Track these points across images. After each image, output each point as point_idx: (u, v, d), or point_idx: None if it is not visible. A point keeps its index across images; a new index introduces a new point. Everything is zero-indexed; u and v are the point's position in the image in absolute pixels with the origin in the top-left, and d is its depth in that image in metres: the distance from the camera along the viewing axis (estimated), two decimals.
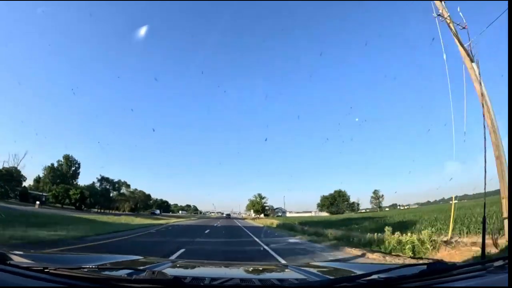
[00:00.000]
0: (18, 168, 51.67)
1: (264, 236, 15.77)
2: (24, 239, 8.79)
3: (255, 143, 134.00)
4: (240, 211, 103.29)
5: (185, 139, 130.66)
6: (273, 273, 1.95)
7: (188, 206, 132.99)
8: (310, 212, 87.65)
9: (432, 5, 7.73)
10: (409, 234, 8.77)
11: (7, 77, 76.82)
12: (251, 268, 2.07)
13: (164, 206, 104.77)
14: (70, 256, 2.54)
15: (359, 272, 1.34)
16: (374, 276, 1.09)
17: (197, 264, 2.15)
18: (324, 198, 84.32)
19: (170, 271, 1.47)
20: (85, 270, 1.17)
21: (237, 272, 1.93)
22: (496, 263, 1.12)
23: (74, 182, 61.24)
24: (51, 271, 1.05)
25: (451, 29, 7.67)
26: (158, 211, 77.40)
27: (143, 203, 79.82)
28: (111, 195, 68.04)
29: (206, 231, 18.88)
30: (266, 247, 10.32)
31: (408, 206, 75.69)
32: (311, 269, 1.69)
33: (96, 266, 1.36)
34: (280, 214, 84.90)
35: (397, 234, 9.12)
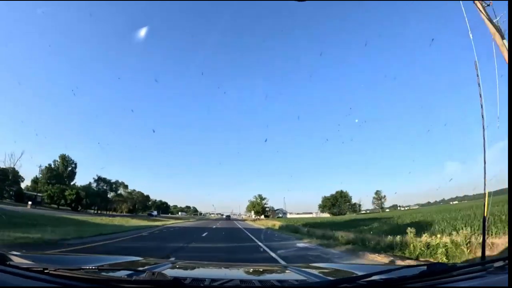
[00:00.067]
0: (15, 168, 51.12)
1: (268, 240, 14.39)
2: None
3: (255, 143, 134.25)
4: (240, 212, 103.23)
5: (185, 139, 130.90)
6: (273, 274, 1.95)
7: (188, 207, 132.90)
8: (311, 213, 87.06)
9: None
10: (438, 236, 7.91)
11: (7, 77, 76.95)
12: (251, 269, 2.07)
13: (163, 208, 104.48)
14: (70, 257, 2.54)
15: (359, 273, 1.34)
16: (374, 277, 1.10)
17: (197, 265, 2.15)
18: (325, 199, 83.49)
19: (170, 272, 1.47)
20: (85, 271, 1.17)
21: (237, 273, 1.92)
22: (496, 264, 1.13)
23: (71, 183, 60.19)
24: (51, 272, 1.05)
25: (476, 5, 7.59)
26: (155, 212, 75.68)
27: (141, 204, 79.12)
28: (109, 195, 66.96)
29: (204, 234, 17.66)
30: (273, 254, 9.15)
31: (408, 207, 75.57)
32: (311, 270, 1.69)
33: (96, 267, 1.36)
34: (280, 215, 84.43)
35: (424, 236, 8.26)
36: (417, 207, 71.78)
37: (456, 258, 6.97)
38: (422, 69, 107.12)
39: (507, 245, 6.71)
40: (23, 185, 55.46)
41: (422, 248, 7.83)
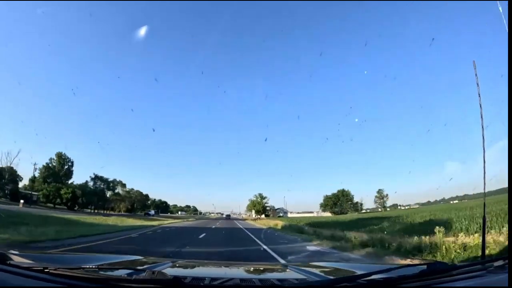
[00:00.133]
0: (12, 167, 50.28)
1: (274, 242, 12.92)
2: None
3: (255, 143, 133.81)
4: (240, 212, 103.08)
5: (185, 139, 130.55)
6: (273, 273, 1.95)
7: (188, 206, 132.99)
8: (312, 212, 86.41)
9: None
10: (476, 235, 7.11)
11: (7, 77, 76.78)
12: (251, 268, 2.07)
13: (163, 207, 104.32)
14: (70, 256, 2.54)
15: (359, 272, 1.34)
16: (374, 276, 1.10)
17: (197, 264, 2.15)
18: (327, 198, 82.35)
19: (170, 271, 1.47)
20: (85, 270, 1.17)
21: (237, 272, 1.92)
22: (496, 263, 1.13)
23: (68, 181, 58.43)
24: (51, 271, 1.04)
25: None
26: (152, 212, 73.81)
27: (140, 204, 78.20)
28: (107, 195, 65.80)
29: (201, 236, 16.10)
30: (283, 262, 7.83)
31: (408, 206, 75.52)
32: (312, 269, 1.69)
33: (96, 266, 1.36)
34: (281, 214, 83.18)
35: (461, 235, 7.50)
36: (417, 206, 71.72)
37: None
38: (422, 69, 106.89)
39: None
40: (21, 184, 54.89)
41: (458, 250, 6.94)
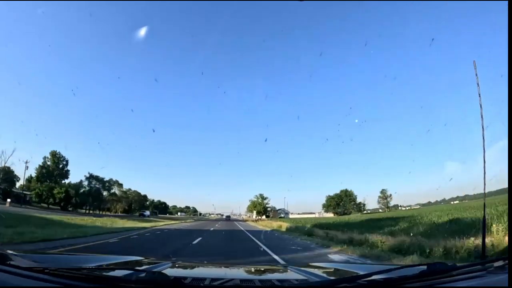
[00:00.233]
0: (9, 167, 49.16)
1: (285, 250, 11.19)
2: None
3: (255, 143, 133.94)
4: (241, 213, 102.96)
5: (185, 139, 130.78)
6: (274, 273, 1.95)
7: (188, 207, 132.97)
8: (314, 213, 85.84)
9: None
10: None
11: (7, 77, 76.92)
12: (252, 269, 2.07)
13: (162, 208, 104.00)
14: (70, 257, 2.54)
15: (359, 273, 1.34)
16: (375, 277, 1.10)
17: (197, 265, 2.15)
18: (329, 198, 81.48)
19: (170, 272, 1.47)
20: (85, 270, 1.17)
21: (238, 272, 1.92)
22: (496, 264, 1.13)
23: (64, 181, 56.72)
24: (51, 271, 1.04)
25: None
26: (148, 213, 70.26)
27: (138, 204, 76.79)
28: (104, 194, 63.76)
29: (196, 241, 13.31)
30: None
31: (409, 207, 75.40)
32: (312, 270, 1.69)
33: (96, 267, 1.36)
34: (282, 215, 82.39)
35: None
36: (418, 206, 71.63)
37: None
38: (422, 69, 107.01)
39: None
40: (19, 184, 53.67)
41: None
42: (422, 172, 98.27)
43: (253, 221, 62.11)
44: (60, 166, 56.84)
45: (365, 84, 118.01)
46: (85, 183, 60.54)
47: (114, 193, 68.03)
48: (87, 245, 10.62)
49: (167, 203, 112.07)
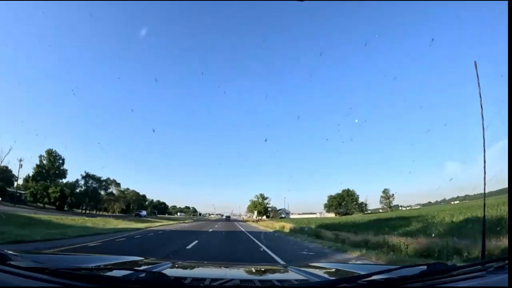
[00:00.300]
0: (6, 166, 48.45)
1: (296, 256, 10.23)
2: None
3: (255, 143, 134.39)
4: (241, 213, 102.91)
5: (185, 139, 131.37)
6: (274, 274, 1.95)
7: (187, 207, 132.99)
8: (315, 213, 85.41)
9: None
10: None
11: (7, 77, 77.11)
12: (252, 269, 2.07)
13: (161, 208, 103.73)
14: (70, 257, 2.54)
15: (359, 273, 1.34)
16: (375, 277, 1.09)
17: (197, 265, 2.15)
18: (331, 198, 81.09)
19: (170, 272, 1.47)
20: (85, 270, 1.17)
21: (238, 272, 1.92)
22: (496, 264, 1.13)
23: (62, 181, 55.41)
24: (51, 271, 1.04)
25: None
26: (144, 213, 67.69)
27: (136, 204, 75.62)
28: (101, 194, 62.40)
29: (191, 245, 11.70)
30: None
31: (410, 207, 75.33)
32: (312, 270, 1.69)
33: (96, 267, 1.36)
34: (283, 215, 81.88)
35: None
36: (418, 207, 71.63)
37: None
38: (422, 69, 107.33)
39: None
40: (16, 184, 52.70)
41: None
42: (422, 172, 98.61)
43: (253, 221, 61.07)
44: (57, 165, 55.44)
45: (365, 84, 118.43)
46: (82, 182, 59.11)
47: (112, 193, 66.64)
48: (68, 249, 9.45)
49: (167, 203, 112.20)
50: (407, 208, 72.78)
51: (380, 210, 77.90)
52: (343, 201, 79.17)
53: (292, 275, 1.76)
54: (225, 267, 2.19)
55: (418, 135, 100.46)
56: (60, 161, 56.06)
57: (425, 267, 1.11)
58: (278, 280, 1.40)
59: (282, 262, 8.01)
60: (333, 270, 1.93)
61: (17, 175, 51.12)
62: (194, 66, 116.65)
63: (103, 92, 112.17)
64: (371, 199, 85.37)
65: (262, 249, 11.14)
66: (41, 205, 49.52)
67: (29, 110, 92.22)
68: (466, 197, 60.12)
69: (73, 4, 75.07)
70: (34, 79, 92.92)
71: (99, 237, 14.18)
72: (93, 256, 2.61)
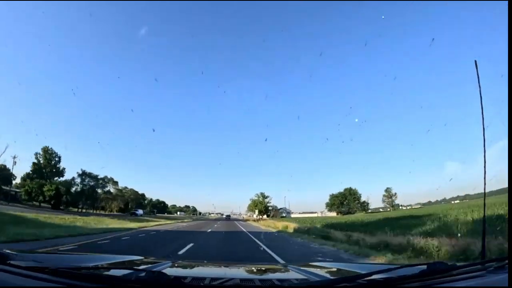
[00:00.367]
0: (4, 165, 47.77)
1: (308, 261, 8.71)
2: None
3: (255, 143, 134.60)
4: (241, 212, 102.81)
5: (185, 139, 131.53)
6: (274, 273, 1.95)
7: (187, 207, 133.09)
8: (315, 212, 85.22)
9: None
10: None
11: (7, 77, 77.16)
12: (252, 268, 2.07)
13: (160, 207, 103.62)
14: (70, 256, 2.54)
15: (359, 272, 1.34)
16: (375, 276, 1.09)
17: (197, 264, 2.15)
18: (333, 197, 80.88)
19: (170, 271, 1.47)
20: (85, 270, 1.17)
21: (238, 272, 1.92)
22: (496, 263, 1.13)
23: (59, 179, 54.18)
24: (51, 271, 1.04)
25: None
26: (140, 211, 66.18)
27: (134, 203, 74.84)
28: (99, 192, 61.14)
29: (185, 249, 10.24)
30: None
31: (410, 207, 75.36)
32: (312, 269, 1.69)
33: (96, 266, 1.36)
34: (284, 215, 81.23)
35: None
36: (418, 206, 71.70)
37: None
38: (422, 69, 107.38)
39: None
40: (15, 183, 52.65)
41: None
42: (422, 172, 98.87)
43: (254, 220, 59.94)
44: (53, 162, 54.14)
45: (365, 84, 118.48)
46: (78, 180, 57.68)
47: (109, 191, 65.29)
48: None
49: (167, 203, 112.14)
50: (408, 208, 72.82)
51: (380, 210, 77.94)
52: (345, 200, 78.93)
53: (292, 274, 1.76)
54: (225, 266, 2.19)
55: (418, 135, 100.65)
56: (56, 159, 54.85)
57: (425, 266, 1.11)
58: (278, 280, 1.40)
59: (282, 262, 7.80)
60: (333, 269, 1.93)
61: (15, 174, 51.03)
62: (194, 66, 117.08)
63: (103, 92, 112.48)
64: (372, 198, 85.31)
65: (268, 254, 10.01)
66: (37, 203, 48.73)
67: (29, 110, 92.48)
68: (467, 196, 60.21)
69: (73, 4, 75.28)
70: (34, 79, 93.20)
71: (81, 238, 12.89)
72: (93, 255, 2.61)
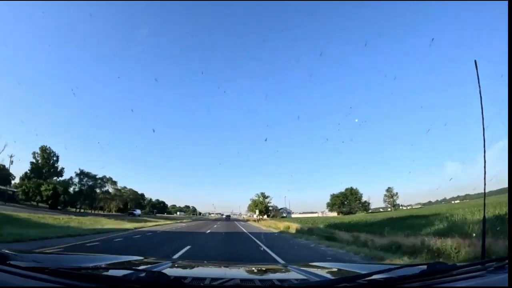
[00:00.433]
0: (4, 165, 47.25)
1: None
2: None
3: (255, 143, 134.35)
4: (241, 212, 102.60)
5: (185, 139, 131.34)
6: (274, 273, 1.94)
7: (187, 207, 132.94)
8: (316, 212, 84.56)
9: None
10: None
11: (7, 77, 77.18)
12: (252, 269, 2.07)
13: (160, 207, 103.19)
14: (70, 256, 2.54)
15: (359, 272, 1.34)
16: (375, 276, 1.09)
17: (198, 264, 2.15)
18: (334, 197, 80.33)
19: (170, 271, 1.47)
20: (85, 270, 1.17)
21: (238, 272, 1.92)
22: (496, 263, 1.13)
23: (57, 179, 53.10)
24: (51, 271, 1.04)
25: None
26: (138, 211, 64.27)
27: (134, 203, 74.12)
28: (97, 192, 60.46)
29: (181, 252, 9.35)
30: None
31: (410, 206, 75.31)
32: (312, 269, 1.68)
33: (96, 266, 1.36)
34: (284, 215, 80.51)
35: None
36: (419, 206, 71.63)
37: None
38: (422, 69, 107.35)
39: None
40: (14, 183, 52.24)
41: None
42: (422, 172, 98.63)
43: (254, 220, 59.27)
44: (51, 162, 52.97)
45: (365, 84, 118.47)
46: (76, 180, 56.67)
47: (107, 191, 64.42)
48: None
49: (166, 203, 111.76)
50: (408, 208, 72.78)
51: (381, 210, 77.85)
52: (346, 200, 78.50)
53: (292, 274, 1.76)
54: (225, 266, 2.19)
55: (418, 135, 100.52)
56: (54, 158, 53.73)
57: (425, 266, 1.11)
58: (279, 280, 1.40)
59: (282, 262, 7.54)
60: (333, 269, 1.92)
61: (14, 174, 50.55)
62: (194, 66, 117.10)
63: (103, 92, 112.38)
64: (372, 198, 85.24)
65: (272, 258, 9.29)
66: (34, 203, 48.05)
67: (29, 110, 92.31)
68: (467, 196, 60.20)
69: (73, 4, 75.26)
70: (34, 79, 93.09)
71: (69, 239, 12.19)
72: (93, 255, 2.61)
